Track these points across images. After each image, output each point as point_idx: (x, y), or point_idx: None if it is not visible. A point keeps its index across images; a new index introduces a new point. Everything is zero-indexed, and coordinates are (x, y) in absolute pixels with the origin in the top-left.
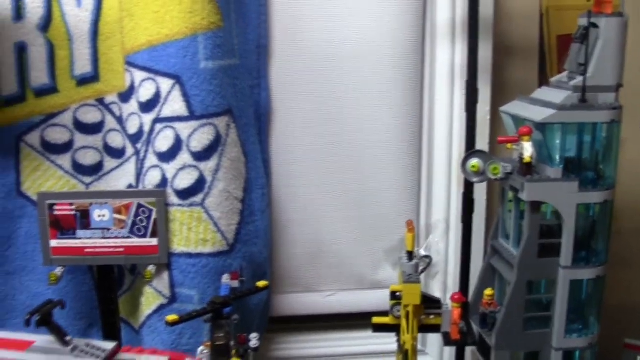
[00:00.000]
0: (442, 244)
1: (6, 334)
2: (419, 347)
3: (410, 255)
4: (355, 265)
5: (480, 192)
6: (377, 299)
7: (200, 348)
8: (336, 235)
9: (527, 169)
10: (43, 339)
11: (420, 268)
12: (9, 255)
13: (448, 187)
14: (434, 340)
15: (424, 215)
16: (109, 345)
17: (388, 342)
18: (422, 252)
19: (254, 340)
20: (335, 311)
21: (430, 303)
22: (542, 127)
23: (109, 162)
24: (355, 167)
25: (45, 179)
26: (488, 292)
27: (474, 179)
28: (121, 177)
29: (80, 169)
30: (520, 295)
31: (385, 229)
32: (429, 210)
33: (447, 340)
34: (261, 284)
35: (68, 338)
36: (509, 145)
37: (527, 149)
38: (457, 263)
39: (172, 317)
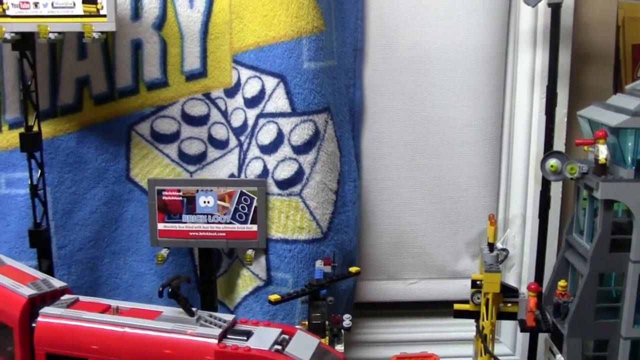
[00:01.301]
0: (519, 238)
1: (137, 304)
2: None
3: (492, 246)
4: (437, 255)
5: (555, 190)
6: (456, 288)
7: (297, 327)
8: (420, 227)
9: (601, 170)
10: (169, 309)
11: (499, 259)
12: (116, 236)
13: (525, 184)
14: (507, 329)
15: (502, 211)
16: (229, 317)
17: (466, 329)
18: (500, 245)
19: (346, 320)
20: (417, 299)
21: (508, 292)
22: (616, 131)
23: (213, 153)
24: (439, 163)
25: (152, 166)
26: (562, 283)
27: (552, 178)
28: (223, 167)
29: (185, 158)
30: (592, 287)
31: (465, 222)
32: (507, 206)
33: (523, 327)
34: (354, 269)
35: (194, 309)
36: (585, 147)
37: (602, 151)
38: (532, 256)
39: (274, 297)
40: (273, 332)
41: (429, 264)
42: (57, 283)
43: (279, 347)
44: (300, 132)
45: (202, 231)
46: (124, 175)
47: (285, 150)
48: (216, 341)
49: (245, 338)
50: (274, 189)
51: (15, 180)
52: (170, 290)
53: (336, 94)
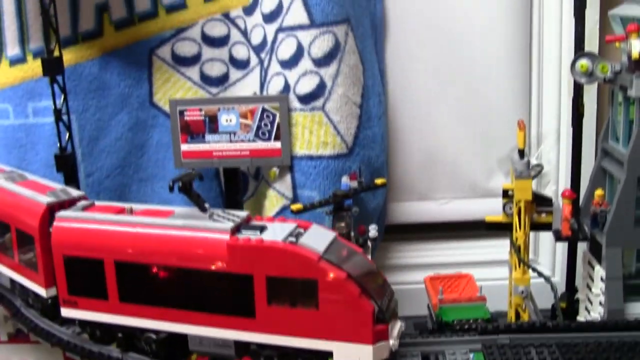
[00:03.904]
0: (554, 153)
1: (148, 205)
2: (531, 256)
3: (522, 153)
4: (468, 173)
5: (590, 101)
6: (489, 208)
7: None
8: (450, 144)
9: (635, 66)
10: (181, 209)
11: (532, 174)
12: (142, 163)
13: (558, 96)
14: (545, 250)
15: (534, 125)
16: (243, 213)
17: (500, 251)
18: (534, 161)
19: (372, 230)
20: (449, 219)
21: (541, 202)
22: None
23: (234, 74)
24: (468, 77)
25: (175, 90)
26: (599, 192)
27: (583, 80)
28: (245, 87)
29: (207, 80)
30: (630, 191)
31: (497, 138)
32: (539, 120)
33: (558, 237)
34: (379, 181)
35: (206, 205)
36: (617, 44)
37: (636, 46)
38: (567, 171)
39: (296, 206)
40: (287, 226)
41: (460, 183)
42: (75, 192)
43: (293, 239)
44: (320, 44)
45: (225, 150)
46: (148, 100)
47: (305, 64)
48: (228, 235)
49: (258, 232)
50: (296, 104)
51: (42, 109)
52: (180, 185)
53: (356, 5)
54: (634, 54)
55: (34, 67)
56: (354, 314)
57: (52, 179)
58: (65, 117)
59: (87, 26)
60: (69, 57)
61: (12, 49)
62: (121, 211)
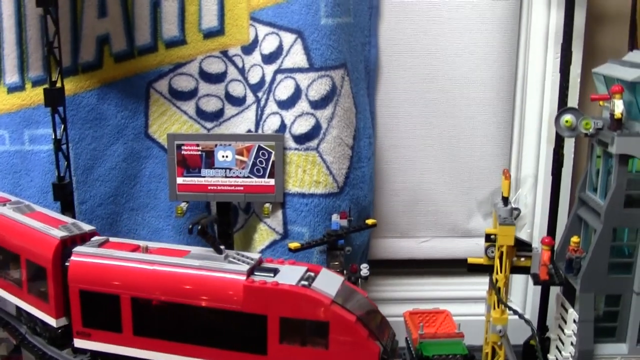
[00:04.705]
0: (530, 197)
1: (165, 244)
2: None
3: (506, 200)
4: (449, 214)
5: (568, 150)
6: (468, 247)
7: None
8: (433, 185)
9: (617, 125)
10: (196, 249)
11: None
12: (134, 192)
13: (538, 143)
14: (517, 289)
15: (514, 170)
16: (256, 256)
17: (477, 288)
18: (511, 205)
19: (364, 269)
20: (429, 257)
21: (521, 246)
22: (632, 86)
23: (230, 110)
24: (452, 122)
25: (170, 123)
26: (575, 239)
27: (566, 134)
28: (240, 124)
29: (203, 115)
30: (605, 242)
31: (478, 181)
32: (519, 165)
33: (536, 280)
34: (370, 221)
35: (222, 247)
36: (601, 103)
37: (619, 106)
38: (543, 215)
39: (294, 244)
40: (299, 270)
41: (441, 223)
42: (86, 227)
43: (306, 283)
44: (318, 87)
45: (220, 185)
46: (143, 132)
47: (302, 105)
48: (244, 277)
49: (272, 274)
50: (291, 143)
51: (38, 136)
52: (199, 228)
53: (352, 50)
54: (617, 114)
55: (32, 95)
56: (362, 355)
57: (46, 206)
58: (64, 147)
59: (87, 57)
60: (68, 87)
61: (11, 76)
62: (136, 249)
